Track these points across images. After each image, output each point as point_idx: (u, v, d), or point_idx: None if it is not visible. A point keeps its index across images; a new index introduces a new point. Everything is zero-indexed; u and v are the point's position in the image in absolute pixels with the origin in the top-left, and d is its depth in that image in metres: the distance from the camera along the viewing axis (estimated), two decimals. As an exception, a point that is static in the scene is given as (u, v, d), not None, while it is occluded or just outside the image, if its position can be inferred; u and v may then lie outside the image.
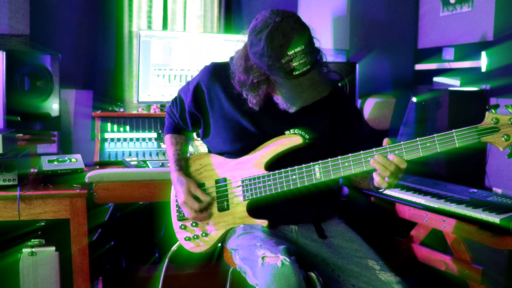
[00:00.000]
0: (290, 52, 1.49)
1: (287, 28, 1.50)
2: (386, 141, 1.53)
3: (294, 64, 1.51)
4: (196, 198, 1.76)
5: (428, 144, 1.47)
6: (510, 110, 1.42)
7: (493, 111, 1.44)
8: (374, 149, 1.53)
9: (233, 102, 1.76)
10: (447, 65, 3.26)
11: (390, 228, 2.62)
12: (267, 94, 1.69)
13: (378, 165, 1.51)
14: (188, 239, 1.86)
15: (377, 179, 1.54)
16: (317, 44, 1.59)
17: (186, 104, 1.88)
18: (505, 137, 1.42)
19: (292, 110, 1.67)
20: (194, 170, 1.87)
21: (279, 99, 1.67)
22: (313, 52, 1.55)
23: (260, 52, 1.53)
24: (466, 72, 3.13)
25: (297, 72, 1.52)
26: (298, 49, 1.50)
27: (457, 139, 1.44)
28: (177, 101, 1.94)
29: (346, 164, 1.57)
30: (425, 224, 2.20)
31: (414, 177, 2.50)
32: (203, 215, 1.78)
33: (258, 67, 1.59)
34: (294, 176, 1.65)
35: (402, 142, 1.50)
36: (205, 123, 1.86)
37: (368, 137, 1.59)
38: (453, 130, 1.45)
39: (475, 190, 2.21)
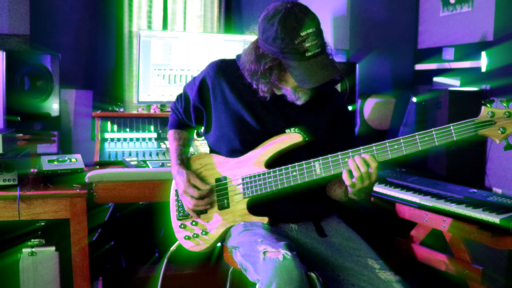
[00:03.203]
0: (303, 33, 1.55)
1: (299, 12, 1.58)
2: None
3: (307, 45, 1.55)
4: (196, 187, 1.78)
5: (426, 139, 1.50)
6: (505, 105, 1.46)
7: (489, 105, 1.47)
8: (373, 144, 1.56)
9: (237, 97, 1.78)
10: (447, 65, 3.26)
11: (390, 228, 2.62)
12: (273, 90, 1.73)
13: (352, 163, 1.53)
14: (187, 238, 1.86)
15: (347, 181, 1.55)
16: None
17: (191, 98, 1.90)
18: (501, 129, 1.45)
19: (300, 102, 1.71)
20: (194, 170, 1.87)
21: (288, 90, 1.70)
22: (322, 37, 1.61)
23: (273, 36, 1.58)
24: (466, 72, 3.13)
25: (309, 53, 1.57)
26: (310, 30, 1.56)
27: (455, 132, 1.47)
28: (182, 97, 1.97)
29: (346, 159, 1.58)
30: (425, 224, 2.21)
31: (414, 177, 2.50)
32: (204, 202, 1.79)
33: (269, 53, 1.63)
34: (294, 173, 1.66)
35: (401, 138, 1.53)
36: (208, 117, 1.87)
37: (360, 142, 1.61)
38: (451, 124, 1.48)
39: (475, 190, 2.20)
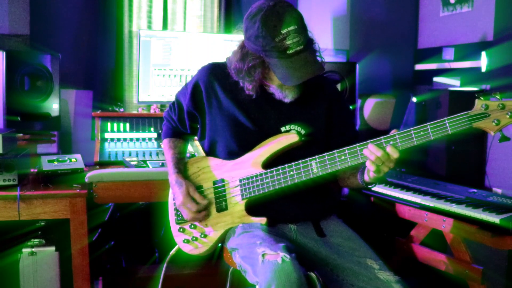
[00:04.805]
0: (284, 31, 1.55)
1: (280, 9, 1.58)
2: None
3: (288, 42, 1.55)
4: (194, 200, 1.78)
5: (421, 133, 1.50)
6: (498, 97, 1.46)
7: (482, 98, 1.47)
8: (369, 141, 1.55)
9: (231, 98, 1.78)
10: (447, 65, 3.26)
11: (390, 228, 2.62)
12: (262, 85, 1.73)
13: (371, 153, 1.52)
14: (186, 241, 1.85)
15: (371, 168, 1.54)
16: (309, 35, 1.65)
17: (184, 105, 1.89)
18: (496, 121, 1.45)
19: (287, 99, 1.71)
20: (192, 173, 1.87)
21: (275, 88, 1.71)
22: (305, 34, 1.61)
23: (255, 34, 1.59)
24: (466, 72, 3.13)
25: (291, 51, 1.57)
26: (291, 28, 1.55)
27: (450, 126, 1.47)
28: (175, 105, 1.95)
29: (343, 157, 1.59)
30: (425, 224, 2.20)
31: (414, 177, 2.50)
32: (201, 215, 1.79)
33: (253, 52, 1.64)
34: (291, 172, 1.66)
35: (396, 133, 1.53)
36: (203, 123, 1.87)
37: (361, 137, 1.60)
38: (445, 118, 1.47)
39: (475, 190, 2.20)
